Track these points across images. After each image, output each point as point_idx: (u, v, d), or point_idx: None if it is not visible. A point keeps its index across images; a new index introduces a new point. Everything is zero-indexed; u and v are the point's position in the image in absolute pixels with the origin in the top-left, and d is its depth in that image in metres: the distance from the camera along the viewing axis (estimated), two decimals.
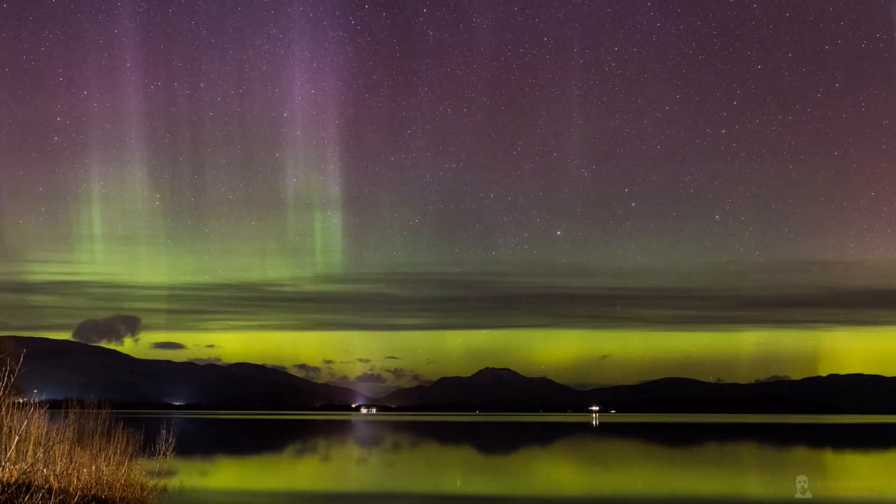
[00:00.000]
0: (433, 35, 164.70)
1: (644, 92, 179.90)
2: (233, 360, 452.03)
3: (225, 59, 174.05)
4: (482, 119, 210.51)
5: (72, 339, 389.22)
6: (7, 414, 14.08)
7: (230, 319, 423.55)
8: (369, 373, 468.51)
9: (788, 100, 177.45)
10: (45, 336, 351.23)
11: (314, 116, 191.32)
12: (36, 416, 15.99)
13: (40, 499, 11.85)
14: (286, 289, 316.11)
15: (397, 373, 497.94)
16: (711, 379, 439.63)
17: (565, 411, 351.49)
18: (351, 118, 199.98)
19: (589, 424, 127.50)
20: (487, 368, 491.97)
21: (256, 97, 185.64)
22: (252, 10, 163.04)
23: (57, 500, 12.26)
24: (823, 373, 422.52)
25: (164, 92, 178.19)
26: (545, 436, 75.11)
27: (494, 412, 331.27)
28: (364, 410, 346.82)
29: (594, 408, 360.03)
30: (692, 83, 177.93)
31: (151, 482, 17.95)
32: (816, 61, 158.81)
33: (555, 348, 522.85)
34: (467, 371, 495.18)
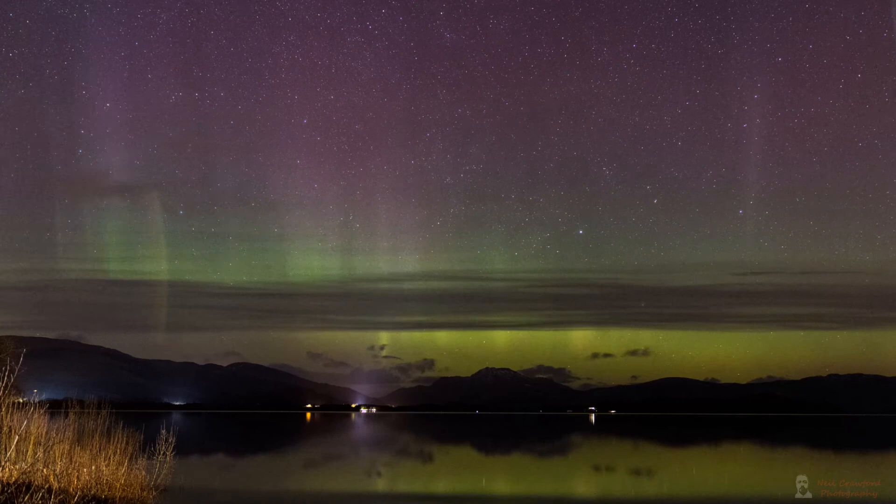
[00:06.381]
0: (450, 37, 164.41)
1: (664, 88, 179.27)
2: (232, 360, 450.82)
3: (244, 68, 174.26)
4: (501, 120, 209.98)
5: (70, 339, 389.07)
6: (7, 414, 14.06)
7: (232, 319, 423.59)
8: (370, 372, 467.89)
9: (810, 92, 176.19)
10: (46, 336, 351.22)
11: (334, 122, 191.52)
12: (36, 415, 15.97)
13: (40, 499, 11.84)
14: (302, 290, 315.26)
15: (398, 372, 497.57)
16: (717, 378, 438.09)
17: (565, 411, 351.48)
18: (370, 122, 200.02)
19: (587, 422, 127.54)
20: (487, 368, 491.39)
21: (276, 104, 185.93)
22: (270, 18, 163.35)
23: (57, 500, 12.25)
24: (823, 373, 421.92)
25: (186, 102, 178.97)
26: (542, 434, 75.11)
27: (494, 411, 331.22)
28: (364, 410, 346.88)
29: (592, 408, 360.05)
30: (712, 78, 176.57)
31: (151, 482, 17.94)
32: (838, 52, 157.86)
33: (564, 347, 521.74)
34: (466, 371, 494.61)
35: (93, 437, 17.65)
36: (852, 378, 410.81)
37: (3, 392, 13.17)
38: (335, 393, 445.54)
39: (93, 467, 16.23)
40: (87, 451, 16.76)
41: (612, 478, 29.77)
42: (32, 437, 15.04)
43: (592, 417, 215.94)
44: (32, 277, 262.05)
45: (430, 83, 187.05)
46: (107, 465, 16.80)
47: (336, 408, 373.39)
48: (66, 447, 15.71)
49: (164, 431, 19.01)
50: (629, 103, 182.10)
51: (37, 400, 17.00)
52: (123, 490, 16.68)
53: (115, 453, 17.34)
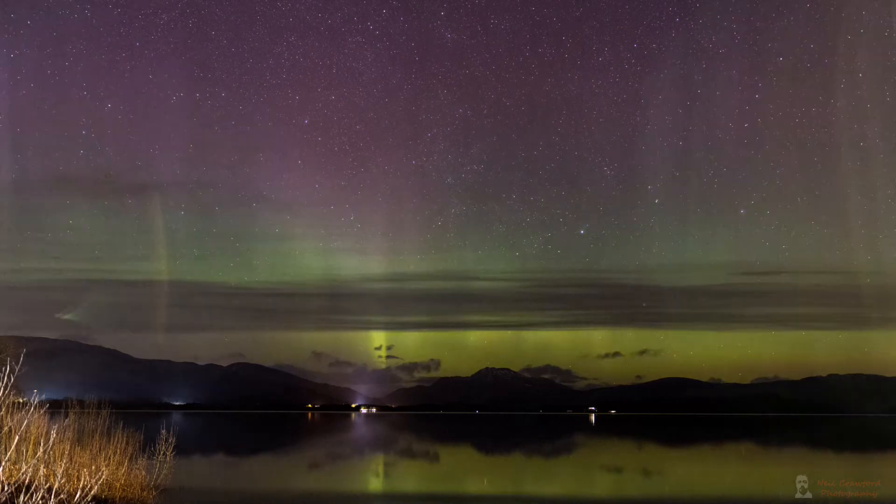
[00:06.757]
0: (451, 38, 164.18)
1: (665, 88, 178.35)
2: (232, 360, 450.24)
3: (245, 68, 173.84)
4: (502, 120, 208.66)
5: (70, 339, 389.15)
6: (7, 414, 14.06)
7: (232, 319, 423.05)
8: (369, 372, 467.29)
9: (811, 91, 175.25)
10: (46, 336, 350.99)
11: (335, 122, 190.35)
12: (36, 415, 15.97)
13: (40, 499, 11.85)
14: (302, 290, 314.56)
15: (398, 372, 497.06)
16: (713, 379, 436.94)
17: (565, 411, 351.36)
18: (371, 123, 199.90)
19: (587, 422, 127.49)
20: (487, 368, 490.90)
21: (277, 104, 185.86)
22: (271, 18, 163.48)
23: (57, 501, 12.25)
24: (823, 373, 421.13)
25: (187, 102, 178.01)
26: (542, 434, 75.08)
27: (494, 411, 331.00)
28: (364, 410, 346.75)
29: (592, 408, 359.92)
30: (713, 78, 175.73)
31: (151, 482, 17.94)
32: (839, 52, 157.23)
33: (564, 348, 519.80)
34: (466, 371, 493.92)
35: (93, 437, 17.65)
36: (852, 378, 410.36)
37: (4, 392, 13.17)
38: (335, 393, 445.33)
39: (93, 467, 16.23)
40: (88, 451, 16.77)
41: (611, 478, 29.77)
42: (32, 438, 15.04)
43: (592, 417, 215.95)
44: (33, 277, 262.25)
45: (430, 83, 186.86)
46: (107, 465, 16.80)
47: (336, 408, 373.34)
48: (67, 447, 15.71)
49: (164, 431, 19.00)
50: (630, 103, 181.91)
51: (37, 400, 16.97)
52: (123, 490, 16.68)
53: (115, 453, 17.34)
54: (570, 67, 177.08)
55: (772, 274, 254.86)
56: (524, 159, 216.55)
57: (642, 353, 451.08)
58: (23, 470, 13.23)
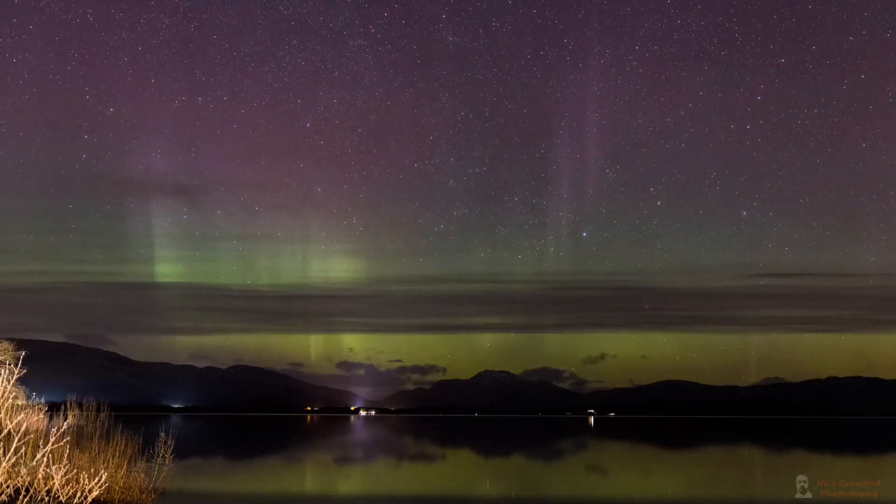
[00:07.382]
0: (453, 41, 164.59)
1: (666, 90, 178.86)
2: (231, 363, 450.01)
3: (247, 72, 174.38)
4: (504, 123, 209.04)
5: (69, 342, 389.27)
6: (6, 416, 14.05)
7: (232, 322, 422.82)
8: (369, 375, 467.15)
9: (813, 93, 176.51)
10: (46, 339, 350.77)
11: (336, 125, 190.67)
12: (35, 418, 15.96)
13: (39, 501, 11.82)
14: (302, 292, 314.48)
15: (397, 375, 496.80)
16: (711, 381, 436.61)
17: (564, 414, 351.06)
18: (373, 126, 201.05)
19: (586, 425, 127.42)
20: (486, 371, 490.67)
21: (279, 108, 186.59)
22: (273, 22, 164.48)
23: (55, 503, 12.23)
24: (823, 375, 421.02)
25: (189, 106, 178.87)
26: (541, 437, 75.02)
27: (494, 414, 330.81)
28: (363, 413, 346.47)
29: (591, 410, 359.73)
30: (715, 79, 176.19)
31: (150, 485, 17.90)
32: (841, 53, 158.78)
33: (564, 350, 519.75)
34: (465, 373, 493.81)
35: (92, 439, 17.62)
36: (852, 381, 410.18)
37: (3, 394, 13.16)
38: (334, 395, 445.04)
39: (92, 470, 16.19)
40: (87, 454, 16.73)
41: (610, 481, 29.75)
42: (31, 440, 15.02)
43: (591, 420, 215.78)
44: (35, 280, 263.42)
45: (432, 86, 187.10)
46: (106, 468, 16.75)
47: (335, 410, 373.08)
48: (65, 450, 15.67)
49: (163, 434, 18.96)
50: (632, 105, 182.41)
51: (36, 402, 16.98)
52: (122, 493, 16.65)
53: (114, 456, 17.30)
54: (571, 70, 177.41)
55: (773, 276, 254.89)
56: (526, 162, 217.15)
57: (643, 356, 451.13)
58: (22, 472, 13.22)
